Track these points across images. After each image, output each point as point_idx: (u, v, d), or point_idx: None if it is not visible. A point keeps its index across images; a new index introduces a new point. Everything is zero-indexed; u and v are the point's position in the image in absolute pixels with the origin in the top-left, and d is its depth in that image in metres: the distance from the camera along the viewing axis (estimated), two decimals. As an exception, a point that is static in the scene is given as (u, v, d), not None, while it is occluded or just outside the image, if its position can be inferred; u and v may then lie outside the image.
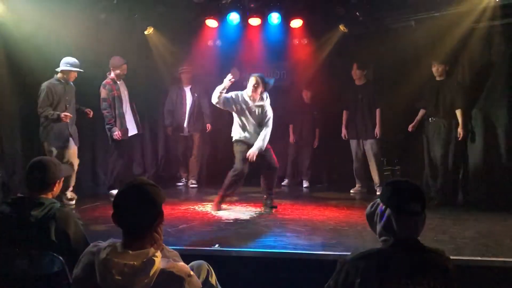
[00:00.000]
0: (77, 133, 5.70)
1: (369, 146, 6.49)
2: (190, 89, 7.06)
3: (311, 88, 7.30)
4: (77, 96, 5.77)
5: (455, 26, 5.93)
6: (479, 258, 3.39)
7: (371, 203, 2.04)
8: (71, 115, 5.47)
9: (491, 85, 5.90)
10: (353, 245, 3.70)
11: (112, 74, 6.03)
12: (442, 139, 5.84)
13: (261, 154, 5.15)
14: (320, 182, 7.64)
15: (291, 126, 7.32)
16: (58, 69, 5.47)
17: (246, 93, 5.18)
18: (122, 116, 6.03)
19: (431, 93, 5.94)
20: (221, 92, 5.04)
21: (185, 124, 7.03)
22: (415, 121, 6.13)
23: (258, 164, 5.26)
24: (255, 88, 5.10)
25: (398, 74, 6.55)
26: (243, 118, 5.24)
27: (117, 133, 5.92)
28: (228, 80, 5.02)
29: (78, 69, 5.52)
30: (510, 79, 5.82)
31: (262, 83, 5.14)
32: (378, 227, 1.95)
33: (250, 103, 5.17)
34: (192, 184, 7.16)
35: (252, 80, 5.14)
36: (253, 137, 5.20)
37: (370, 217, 2.02)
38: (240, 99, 5.18)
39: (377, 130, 6.39)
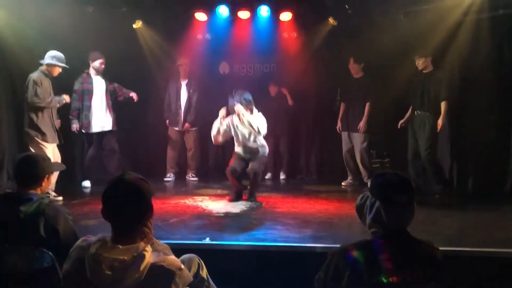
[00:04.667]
0: (57, 130, 5.53)
1: (356, 139, 6.49)
2: (186, 84, 7.09)
3: (277, 84, 7.24)
4: (61, 91, 5.68)
5: (444, 19, 5.95)
6: (467, 249, 3.43)
7: (361, 195, 2.05)
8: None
9: (479, 77, 5.95)
10: (343, 237, 3.73)
11: (90, 68, 6.26)
12: (427, 133, 5.74)
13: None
14: (310, 175, 7.66)
15: None
16: (44, 62, 5.32)
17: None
18: (88, 109, 6.21)
19: (416, 86, 5.93)
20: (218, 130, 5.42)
21: (181, 119, 7.05)
22: (405, 117, 6.07)
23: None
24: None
25: (387, 67, 6.55)
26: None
27: (74, 126, 6.20)
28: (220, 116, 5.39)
29: (63, 65, 5.40)
30: (497, 71, 5.88)
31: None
32: (368, 219, 1.96)
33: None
34: (192, 177, 7.16)
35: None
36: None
37: (360, 209, 2.04)
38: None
39: (361, 123, 6.36)
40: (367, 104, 6.39)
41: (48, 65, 5.34)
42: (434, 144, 5.78)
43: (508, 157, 5.85)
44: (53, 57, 5.32)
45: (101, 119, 6.30)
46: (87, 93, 6.22)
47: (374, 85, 6.44)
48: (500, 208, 5.12)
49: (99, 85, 6.31)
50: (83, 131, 6.26)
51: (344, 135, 6.68)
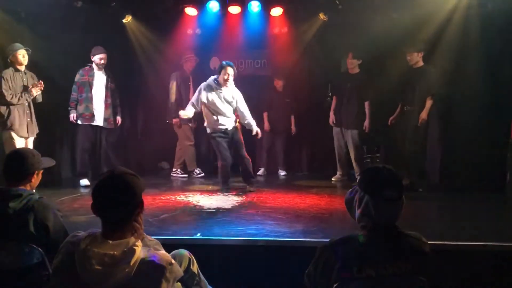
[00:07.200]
0: (35, 123, 5.61)
1: (350, 135, 6.44)
2: (194, 78, 6.98)
3: (282, 77, 7.30)
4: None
5: (433, 15, 6.00)
6: (455, 243, 3.46)
7: (350, 190, 2.07)
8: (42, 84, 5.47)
9: (468, 73, 6.00)
10: (334, 231, 3.76)
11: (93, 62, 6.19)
12: (412, 127, 5.81)
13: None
14: (301, 170, 7.68)
15: (265, 114, 7.32)
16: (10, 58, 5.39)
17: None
18: (89, 101, 6.12)
19: (407, 82, 5.96)
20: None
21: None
22: (395, 113, 6.13)
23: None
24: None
25: (377, 63, 6.57)
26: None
27: (72, 116, 6.10)
28: None
29: (23, 50, 5.39)
30: (485, 66, 5.92)
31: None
32: (357, 213, 1.98)
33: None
34: (200, 173, 7.08)
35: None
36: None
37: (349, 203, 2.05)
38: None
39: (366, 124, 6.31)
40: (367, 103, 6.33)
41: (13, 58, 5.39)
42: (418, 139, 5.84)
43: (498, 152, 5.91)
44: (11, 50, 5.39)
45: (102, 113, 6.20)
46: (87, 85, 6.11)
47: (371, 83, 6.37)
48: (489, 202, 5.19)
49: (99, 80, 6.21)
50: (84, 122, 6.12)
51: (335, 130, 6.63)
